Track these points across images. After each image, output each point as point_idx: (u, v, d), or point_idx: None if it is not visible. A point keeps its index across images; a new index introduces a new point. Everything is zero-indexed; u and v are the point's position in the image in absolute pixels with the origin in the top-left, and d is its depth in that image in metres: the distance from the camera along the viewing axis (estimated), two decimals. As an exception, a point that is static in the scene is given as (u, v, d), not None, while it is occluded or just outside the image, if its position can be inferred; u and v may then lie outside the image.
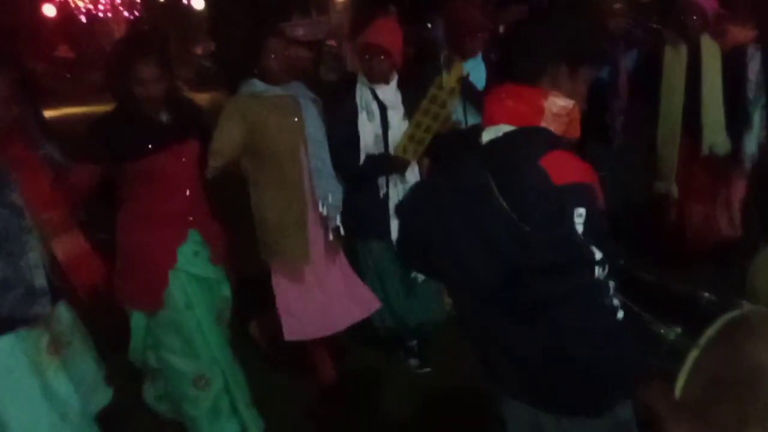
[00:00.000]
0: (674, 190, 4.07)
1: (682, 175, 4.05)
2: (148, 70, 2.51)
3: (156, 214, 2.64)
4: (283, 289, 2.98)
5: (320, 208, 2.94)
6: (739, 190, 4.04)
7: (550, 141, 1.45)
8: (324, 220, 2.99)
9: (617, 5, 4.05)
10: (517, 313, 1.46)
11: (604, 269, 1.36)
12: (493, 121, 1.51)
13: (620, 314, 1.38)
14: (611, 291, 1.38)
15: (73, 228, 2.40)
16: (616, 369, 1.41)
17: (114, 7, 19.13)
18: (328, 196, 2.94)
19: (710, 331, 1.43)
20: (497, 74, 3.12)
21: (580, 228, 1.35)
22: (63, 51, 20.15)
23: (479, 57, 3.61)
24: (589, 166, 1.46)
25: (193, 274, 2.70)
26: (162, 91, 2.56)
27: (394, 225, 2.99)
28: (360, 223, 3.13)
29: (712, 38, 3.91)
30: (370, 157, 3.04)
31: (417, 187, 1.75)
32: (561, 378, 1.47)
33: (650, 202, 4.36)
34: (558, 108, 1.48)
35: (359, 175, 3.08)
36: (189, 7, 19.39)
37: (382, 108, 3.07)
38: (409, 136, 2.99)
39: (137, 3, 19.40)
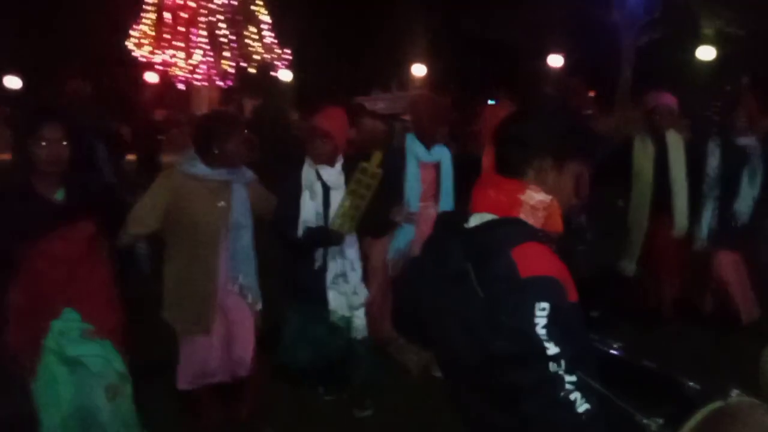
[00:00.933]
0: (634, 270, 4.55)
1: (652, 253, 4.49)
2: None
3: (33, 293, 2.68)
4: (183, 344, 3.13)
5: (232, 286, 3.10)
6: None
7: (525, 233, 1.49)
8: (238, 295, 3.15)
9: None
10: (492, 397, 1.49)
11: (560, 365, 1.37)
12: (476, 209, 1.58)
13: (582, 408, 1.36)
14: (570, 385, 1.37)
15: None
16: None
17: (210, 78, 20.50)
18: (240, 276, 3.11)
19: (691, 422, 1.43)
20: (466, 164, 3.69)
21: (541, 321, 1.38)
22: (159, 114, 21.70)
23: (442, 144, 3.97)
24: (560, 261, 1.49)
25: (64, 354, 2.71)
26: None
27: (331, 295, 3.30)
28: (297, 291, 3.34)
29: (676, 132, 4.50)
30: (310, 229, 3.23)
31: (410, 263, 1.82)
32: None
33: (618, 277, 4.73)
34: (535, 201, 1.53)
35: (298, 246, 3.28)
36: (277, 78, 20.59)
37: (326, 188, 3.28)
38: (342, 213, 3.25)
39: (230, 73, 20.73)
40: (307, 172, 3.27)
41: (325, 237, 3.23)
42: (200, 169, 2.99)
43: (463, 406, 1.66)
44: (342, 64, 22.66)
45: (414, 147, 3.87)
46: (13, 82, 21.08)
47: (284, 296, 3.39)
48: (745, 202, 4.33)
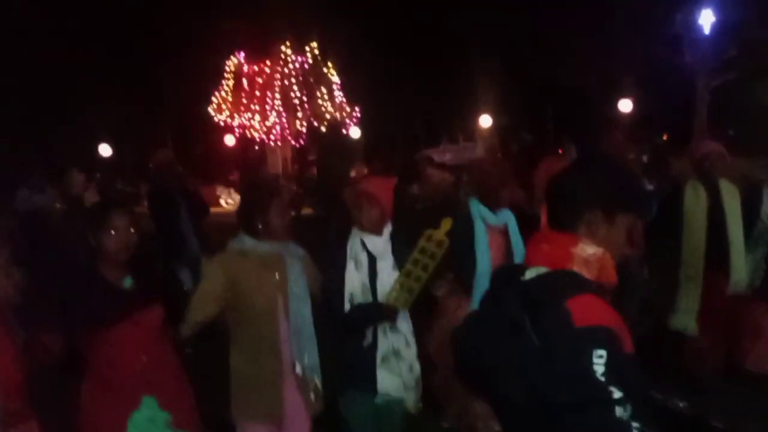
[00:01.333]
0: (694, 328, 4.16)
1: (708, 309, 4.13)
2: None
3: (109, 383, 2.65)
4: None
5: (297, 369, 2.93)
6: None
7: (580, 284, 1.53)
8: (301, 380, 2.96)
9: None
10: None
11: (625, 409, 1.39)
12: (530, 263, 1.64)
13: None
14: (638, 431, 1.39)
15: (31, 419, 2.40)
16: None
17: (283, 137, 21.37)
18: (305, 357, 2.93)
19: None
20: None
21: (600, 369, 1.40)
22: (235, 175, 22.75)
23: (507, 208, 3.85)
24: (615, 312, 1.51)
25: None
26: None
27: (381, 375, 3.01)
28: (346, 375, 3.10)
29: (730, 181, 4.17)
30: (359, 306, 3.01)
31: (469, 314, 1.87)
32: None
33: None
34: (588, 254, 1.58)
35: (345, 323, 3.05)
36: (347, 136, 21.22)
37: (372, 257, 3.06)
38: (400, 285, 3.00)
39: (303, 133, 21.55)
40: (353, 241, 3.09)
41: (376, 313, 3.00)
42: (248, 243, 2.91)
43: None
44: (409, 117, 23.15)
45: (480, 211, 3.75)
46: (105, 150, 22.75)
47: (337, 377, 3.16)
48: None
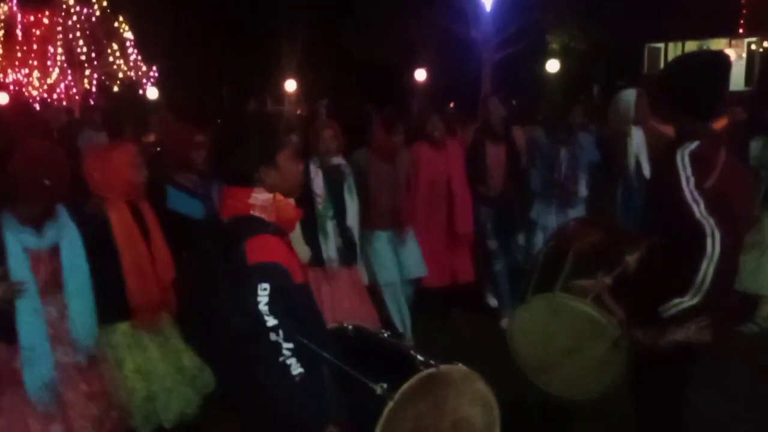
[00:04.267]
0: None
1: None
2: None
3: None
4: None
5: None
6: None
7: (256, 227, 1.81)
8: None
9: None
10: (239, 366, 1.77)
11: (278, 334, 1.67)
12: (222, 216, 1.91)
13: (296, 371, 1.66)
14: (288, 351, 1.67)
15: None
16: (303, 418, 1.69)
17: (69, 97, 19.46)
18: None
19: (405, 387, 1.75)
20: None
21: (263, 299, 1.68)
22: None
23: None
24: (285, 248, 1.83)
25: None
26: None
27: None
28: None
29: None
30: None
31: (192, 265, 2.18)
32: (268, 425, 1.79)
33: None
34: (261, 201, 1.86)
35: None
36: (144, 97, 19.89)
37: None
38: None
39: (93, 93, 19.78)
40: None
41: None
42: None
43: (227, 390, 1.99)
44: (213, 78, 22.31)
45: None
46: None
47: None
48: None
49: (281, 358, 1.64)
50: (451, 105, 12.49)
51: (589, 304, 2.33)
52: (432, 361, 1.90)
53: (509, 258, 5.01)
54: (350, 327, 2.16)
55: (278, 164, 1.89)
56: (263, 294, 1.67)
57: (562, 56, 16.42)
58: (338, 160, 3.98)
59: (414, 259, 4.44)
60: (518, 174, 4.99)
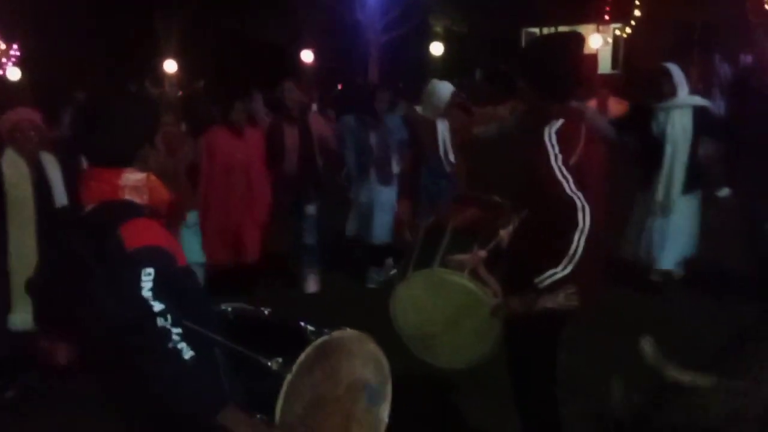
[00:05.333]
0: None
1: None
2: None
3: None
4: None
5: None
6: None
7: (129, 211, 1.71)
8: None
9: None
10: (116, 361, 1.68)
11: (166, 319, 1.58)
12: (84, 201, 1.78)
13: (187, 355, 1.57)
14: (177, 336, 1.58)
15: None
16: (198, 404, 1.62)
17: None
18: None
19: (302, 358, 1.71)
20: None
21: (148, 285, 1.58)
22: None
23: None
24: (164, 231, 1.75)
25: None
26: None
27: None
28: None
29: None
30: None
31: (39, 261, 2.00)
32: (155, 417, 1.72)
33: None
34: (133, 182, 1.75)
35: None
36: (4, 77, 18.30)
37: None
38: None
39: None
40: None
41: None
42: None
43: (104, 385, 1.84)
44: (85, 58, 20.80)
45: None
46: None
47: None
48: None
49: (171, 344, 1.56)
50: (339, 87, 12.49)
51: (466, 277, 2.42)
52: (325, 330, 1.88)
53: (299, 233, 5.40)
54: (229, 309, 2.09)
55: (157, 145, 1.83)
56: (147, 279, 1.58)
57: (445, 39, 16.82)
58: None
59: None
60: (311, 156, 5.36)
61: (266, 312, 2.10)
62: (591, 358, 3.91)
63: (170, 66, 19.13)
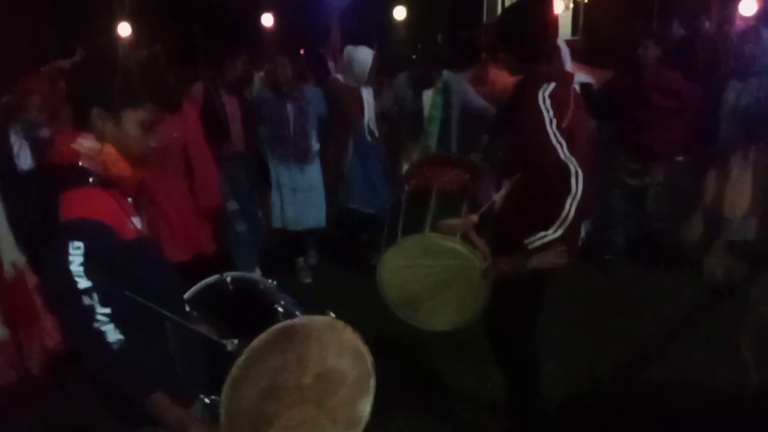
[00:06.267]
0: None
1: None
2: None
3: None
4: None
5: None
6: None
7: (76, 177, 1.61)
8: None
9: None
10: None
11: (92, 297, 1.50)
12: (48, 159, 1.71)
13: (113, 338, 1.49)
14: (103, 317, 1.50)
15: None
16: (124, 386, 1.55)
17: None
18: None
19: (255, 342, 1.58)
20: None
21: (77, 260, 1.50)
22: None
23: None
24: (111, 202, 1.62)
25: None
26: None
27: None
28: None
29: None
30: None
31: None
32: (103, 395, 1.68)
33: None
34: (86, 149, 1.65)
35: None
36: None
37: None
38: None
39: None
40: None
41: None
42: None
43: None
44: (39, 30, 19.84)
45: None
46: None
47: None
48: None
49: (95, 324, 1.48)
50: (302, 52, 12.22)
51: (458, 241, 2.42)
52: (297, 312, 1.80)
53: (250, 218, 4.89)
54: (229, 278, 2.02)
55: (122, 120, 1.68)
56: (76, 253, 1.49)
57: (407, 3, 16.57)
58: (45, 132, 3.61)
59: None
60: (253, 127, 4.87)
61: (272, 283, 2.03)
62: (568, 323, 4.04)
63: (124, 29, 18.42)
